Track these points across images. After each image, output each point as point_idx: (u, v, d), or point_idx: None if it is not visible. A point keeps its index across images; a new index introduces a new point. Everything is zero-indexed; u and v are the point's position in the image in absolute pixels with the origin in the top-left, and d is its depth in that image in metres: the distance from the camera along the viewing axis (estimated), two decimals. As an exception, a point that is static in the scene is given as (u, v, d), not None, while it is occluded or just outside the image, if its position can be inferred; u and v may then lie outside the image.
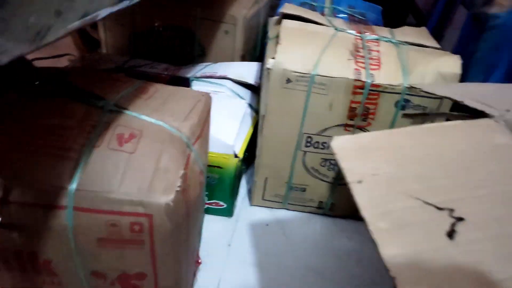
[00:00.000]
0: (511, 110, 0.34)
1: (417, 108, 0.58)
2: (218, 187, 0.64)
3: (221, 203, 0.67)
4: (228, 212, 0.67)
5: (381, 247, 0.24)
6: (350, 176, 0.28)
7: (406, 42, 0.62)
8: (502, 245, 0.23)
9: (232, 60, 0.79)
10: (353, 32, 0.63)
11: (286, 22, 0.63)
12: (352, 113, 0.59)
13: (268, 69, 0.57)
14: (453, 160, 0.29)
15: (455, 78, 0.56)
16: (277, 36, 0.60)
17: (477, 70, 0.64)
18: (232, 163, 0.62)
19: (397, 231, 0.25)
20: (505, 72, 0.62)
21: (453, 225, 0.25)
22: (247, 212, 0.70)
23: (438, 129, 0.32)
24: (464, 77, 0.67)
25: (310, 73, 0.57)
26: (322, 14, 0.80)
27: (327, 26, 0.64)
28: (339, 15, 0.85)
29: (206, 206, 0.67)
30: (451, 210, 0.25)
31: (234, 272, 0.60)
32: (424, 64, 0.57)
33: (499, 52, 0.61)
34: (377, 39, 0.62)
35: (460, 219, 0.25)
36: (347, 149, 0.30)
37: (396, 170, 0.28)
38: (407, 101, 0.57)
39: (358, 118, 0.59)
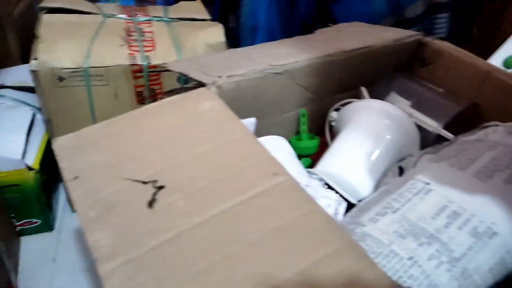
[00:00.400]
0: (222, 76, 0.39)
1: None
2: (24, 205, 0.60)
3: (35, 220, 0.63)
4: (46, 227, 0.64)
5: (88, 234, 0.26)
6: (67, 175, 0.30)
7: (178, 19, 0.65)
8: (192, 200, 0.28)
9: (14, 64, 0.72)
10: (124, 16, 0.63)
11: (47, 17, 0.59)
12: (140, 97, 0.61)
13: (33, 71, 0.54)
14: (164, 134, 0.33)
15: (221, 46, 0.61)
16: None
17: (245, 35, 0.72)
18: (30, 177, 0.58)
19: (106, 215, 0.27)
20: (266, 33, 0.71)
21: (154, 194, 0.28)
22: (71, 219, 0.68)
23: (156, 108, 0.35)
24: (240, 44, 0.74)
25: (83, 67, 0.56)
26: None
27: (96, 14, 0.62)
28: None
29: (19, 228, 0.62)
30: (155, 181, 0.29)
31: (63, 286, 0.58)
32: (193, 38, 0.61)
33: (255, 15, 0.70)
34: (149, 20, 0.64)
35: (161, 187, 0.29)
36: (68, 147, 0.32)
37: (112, 157, 0.31)
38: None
39: (148, 101, 0.61)
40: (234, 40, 0.74)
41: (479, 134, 0.41)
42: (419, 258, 0.30)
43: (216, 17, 0.78)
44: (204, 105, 0.35)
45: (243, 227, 0.27)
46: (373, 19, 0.84)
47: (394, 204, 0.34)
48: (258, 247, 0.26)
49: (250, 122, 0.44)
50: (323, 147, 0.50)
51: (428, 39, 0.55)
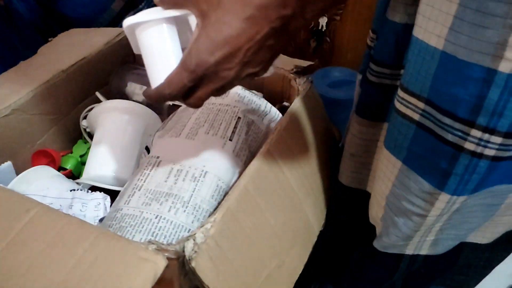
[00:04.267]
0: None
1: None
2: None
3: None
4: None
5: None
6: None
7: None
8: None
9: None
10: None
11: None
12: None
13: None
14: None
15: None
16: None
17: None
18: None
19: None
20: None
21: None
22: None
23: None
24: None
25: None
26: None
27: None
28: None
29: None
30: None
31: None
32: None
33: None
34: None
35: None
36: None
37: None
38: None
39: None
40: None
41: (189, 100, 0.56)
42: (162, 213, 0.44)
43: None
44: None
45: (13, 262, 0.36)
46: (104, 4, 0.92)
47: (139, 183, 0.47)
48: (31, 271, 0.35)
49: (6, 165, 0.50)
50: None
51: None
